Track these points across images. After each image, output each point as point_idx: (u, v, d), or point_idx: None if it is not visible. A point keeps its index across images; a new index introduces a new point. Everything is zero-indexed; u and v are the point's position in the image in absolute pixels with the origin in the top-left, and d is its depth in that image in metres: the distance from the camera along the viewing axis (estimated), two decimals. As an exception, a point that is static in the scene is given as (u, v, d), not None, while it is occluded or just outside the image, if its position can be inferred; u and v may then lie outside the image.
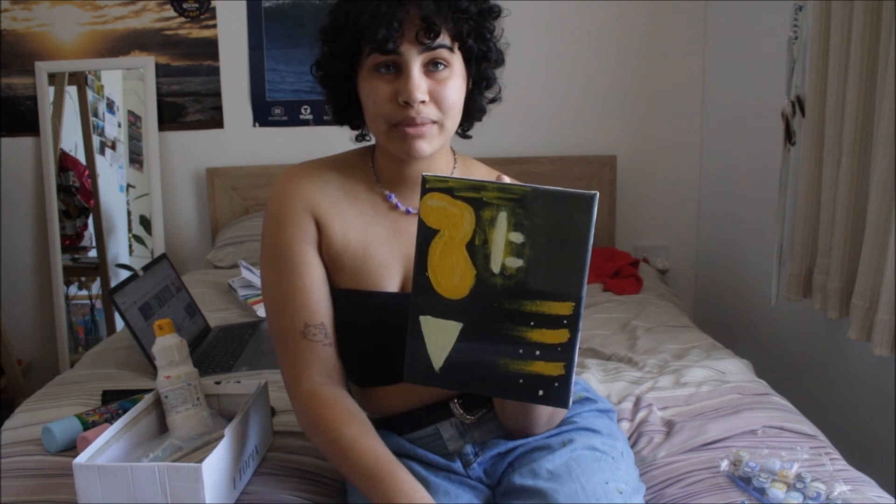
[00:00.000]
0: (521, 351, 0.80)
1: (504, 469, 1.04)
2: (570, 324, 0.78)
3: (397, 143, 0.98)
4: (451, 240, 0.79)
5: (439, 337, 0.81)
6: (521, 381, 0.80)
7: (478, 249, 0.79)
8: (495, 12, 1.01)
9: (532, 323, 0.79)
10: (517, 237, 0.78)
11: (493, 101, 1.08)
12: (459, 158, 1.12)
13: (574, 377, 0.80)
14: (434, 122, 0.97)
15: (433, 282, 0.80)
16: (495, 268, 0.79)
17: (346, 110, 1.06)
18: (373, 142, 1.10)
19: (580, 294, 0.78)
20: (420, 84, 0.94)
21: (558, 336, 0.79)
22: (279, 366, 1.06)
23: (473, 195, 0.78)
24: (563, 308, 0.78)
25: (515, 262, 0.78)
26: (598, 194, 0.76)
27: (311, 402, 0.99)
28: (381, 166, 1.08)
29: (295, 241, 1.03)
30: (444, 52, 0.95)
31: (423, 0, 0.92)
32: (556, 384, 0.80)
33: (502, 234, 0.78)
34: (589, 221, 0.76)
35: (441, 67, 0.96)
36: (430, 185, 0.78)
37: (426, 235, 0.80)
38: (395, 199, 1.07)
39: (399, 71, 0.95)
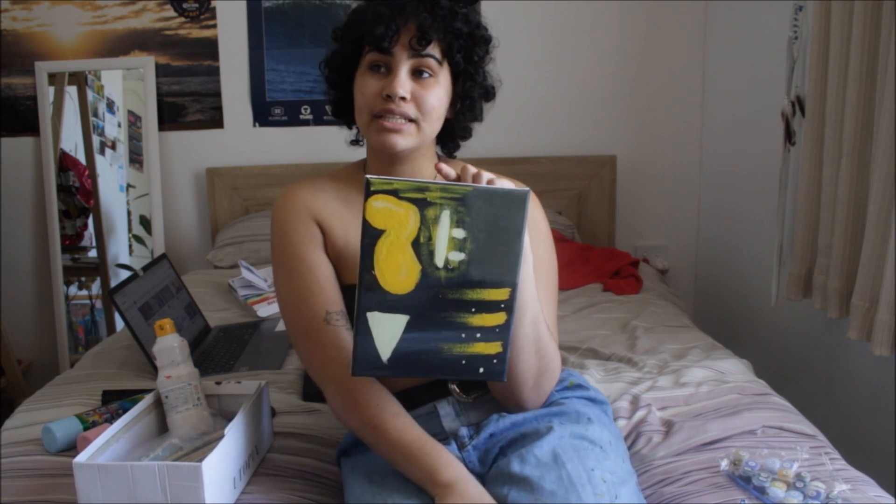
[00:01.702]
0: (463, 335, 0.88)
1: (496, 455, 1.06)
2: (507, 307, 0.87)
3: (375, 135, 1.06)
4: (396, 239, 0.84)
5: (387, 330, 0.87)
6: (463, 361, 0.88)
7: (423, 246, 0.84)
8: (486, 39, 1.10)
9: (473, 309, 0.87)
10: (459, 233, 0.84)
11: (473, 120, 1.16)
12: (445, 162, 1.16)
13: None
14: (412, 121, 1.06)
15: (380, 279, 0.85)
16: (439, 262, 0.85)
17: (343, 107, 1.16)
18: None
19: (515, 280, 0.86)
20: (404, 83, 1.04)
21: (497, 319, 0.87)
22: (304, 359, 1.10)
23: (418, 196, 0.83)
24: (501, 294, 0.86)
25: (458, 256, 0.85)
26: (530, 191, 0.84)
27: (347, 384, 1.03)
28: (371, 170, 1.15)
29: (303, 244, 1.10)
30: (431, 62, 1.05)
31: (422, 13, 1.03)
32: (495, 360, 0.89)
33: (445, 231, 0.84)
34: (523, 216, 0.84)
35: (427, 76, 1.06)
36: (374, 188, 0.83)
37: (372, 236, 0.84)
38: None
39: (390, 72, 1.05)
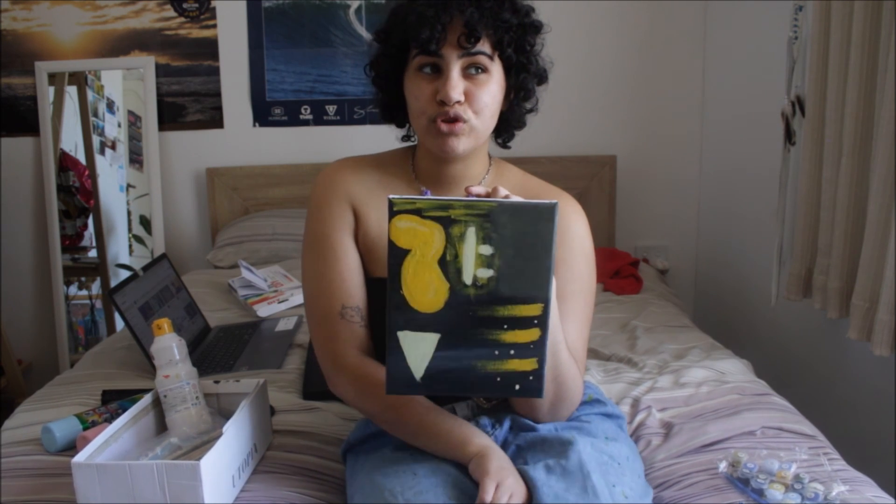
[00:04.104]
0: (496, 352, 0.86)
1: (513, 458, 1.04)
2: (541, 323, 0.85)
3: (433, 139, 1.04)
4: (423, 258, 0.83)
5: (418, 349, 0.86)
6: (498, 379, 0.86)
7: (449, 264, 0.83)
8: (536, 27, 1.06)
9: (505, 326, 0.85)
10: (486, 249, 0.83)
11: (530, 111, 1.13)
12: (494, 162, 1.17)
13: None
14: (466, 122, 1.02)
15: (408, 298, 0.84)
16: (467, 280, 0.84)
17: (392, 108, 1.12)
18: (415, 142, 1.15)
19: (548, 295, 0.84)
20: (457, 85, 1.00)
21: (530, 335, 0.85)
22: (317, 346, 1.10)
23: (441, 214, 0.82)
24: (532, 310, 0.84)
25: (486, 273, 0.83)
26: (558, 203, 0.81)
27: (361, 369, 1.04)
28: (420, 165, 1.14)
29: (334, 229, 1.09)
30: (483, 59, 1.01)
31: (468, 8, 0.98)
32: (531, 377, 0.86)
33: (472, 248, 0.83)
34: (552, 229, 0.81)
35: (479, 72, 1.02)
36: (398, 208, 0.82)
37: (398, 256, 0.83)
38: (430, 195, 1.10)
39: (440, 72, 1.02)
